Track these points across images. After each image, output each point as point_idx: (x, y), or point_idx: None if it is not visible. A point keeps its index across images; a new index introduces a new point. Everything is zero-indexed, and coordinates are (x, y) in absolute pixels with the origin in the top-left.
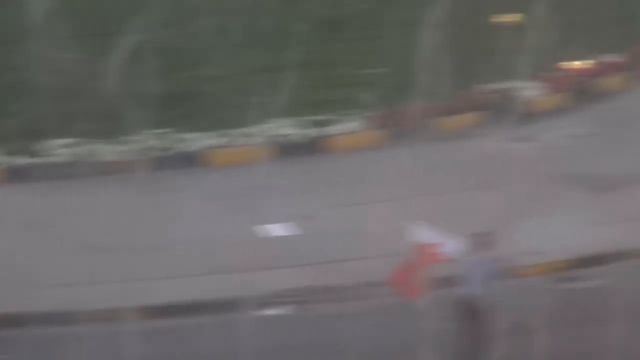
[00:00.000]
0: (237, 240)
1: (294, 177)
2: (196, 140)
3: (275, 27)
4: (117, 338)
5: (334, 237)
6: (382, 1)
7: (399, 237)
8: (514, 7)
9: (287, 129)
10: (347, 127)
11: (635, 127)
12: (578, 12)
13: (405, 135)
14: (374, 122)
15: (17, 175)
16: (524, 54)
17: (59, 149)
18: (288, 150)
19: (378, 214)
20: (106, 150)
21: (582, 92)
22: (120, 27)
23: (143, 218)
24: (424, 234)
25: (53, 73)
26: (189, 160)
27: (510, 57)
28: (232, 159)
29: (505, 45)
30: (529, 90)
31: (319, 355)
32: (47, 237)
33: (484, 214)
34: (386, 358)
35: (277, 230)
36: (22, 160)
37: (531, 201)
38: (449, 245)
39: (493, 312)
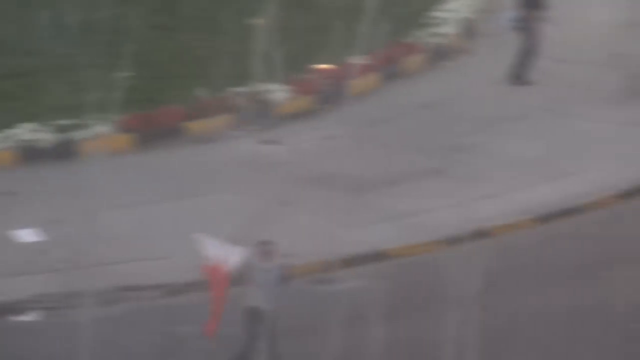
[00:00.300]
0: None
1: (41, 183)
2: None
3: (44, 29)
4: None
5: (84, 242)
6: (139, 6)
7: (151, 240)
8: (264, 10)
9: (34, 133)
10: (96, 132)
11: (382, 127)
12: (328, 15)
13: (155, 140)
14: (125, 126)
15: None
16: (273, 57)
17: None
18: (35, 155)
19: (129, 218)
20: None
21: (330, 94)
22: None
23: None
24: (207, 245)
25: None
26: None
27: (259, 60)
28: None
29: (255, 47)
30: (279, 93)
31: None
32: None
33: (236, 218)
34: None
35: (25, 235)
36: None
37: (283, 204)
38: (234, 255)
39: (277, 317)
